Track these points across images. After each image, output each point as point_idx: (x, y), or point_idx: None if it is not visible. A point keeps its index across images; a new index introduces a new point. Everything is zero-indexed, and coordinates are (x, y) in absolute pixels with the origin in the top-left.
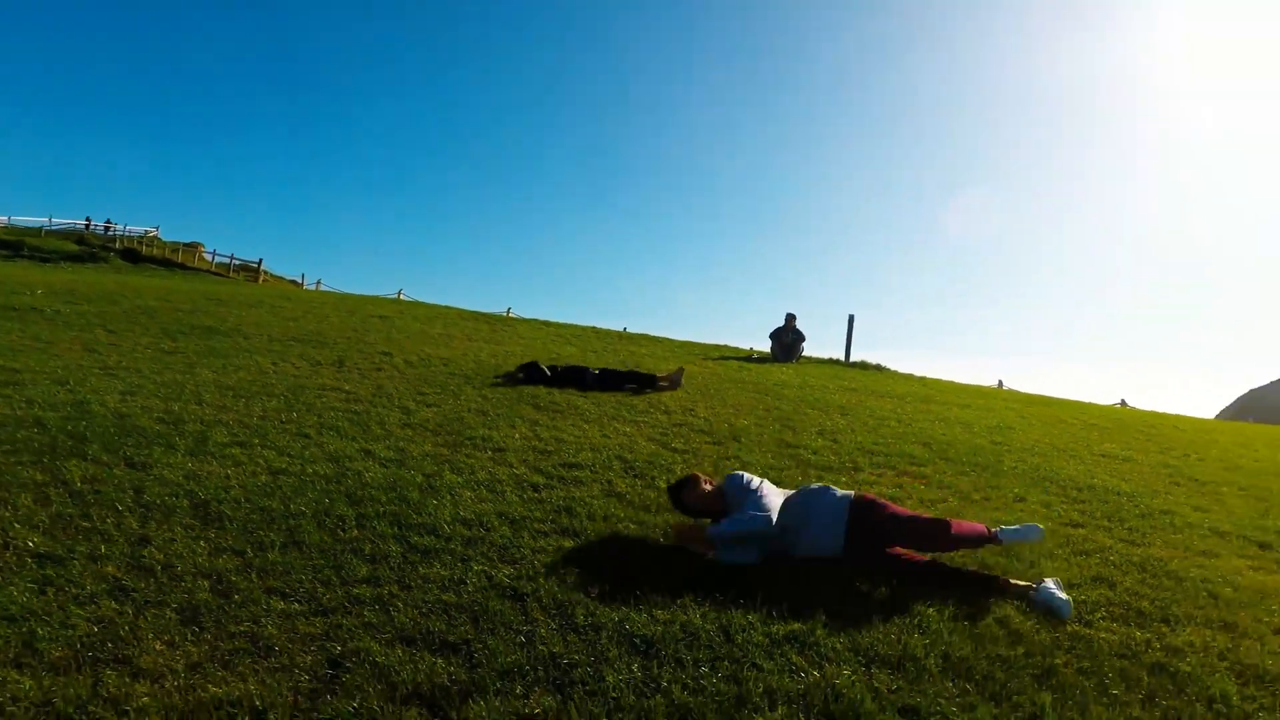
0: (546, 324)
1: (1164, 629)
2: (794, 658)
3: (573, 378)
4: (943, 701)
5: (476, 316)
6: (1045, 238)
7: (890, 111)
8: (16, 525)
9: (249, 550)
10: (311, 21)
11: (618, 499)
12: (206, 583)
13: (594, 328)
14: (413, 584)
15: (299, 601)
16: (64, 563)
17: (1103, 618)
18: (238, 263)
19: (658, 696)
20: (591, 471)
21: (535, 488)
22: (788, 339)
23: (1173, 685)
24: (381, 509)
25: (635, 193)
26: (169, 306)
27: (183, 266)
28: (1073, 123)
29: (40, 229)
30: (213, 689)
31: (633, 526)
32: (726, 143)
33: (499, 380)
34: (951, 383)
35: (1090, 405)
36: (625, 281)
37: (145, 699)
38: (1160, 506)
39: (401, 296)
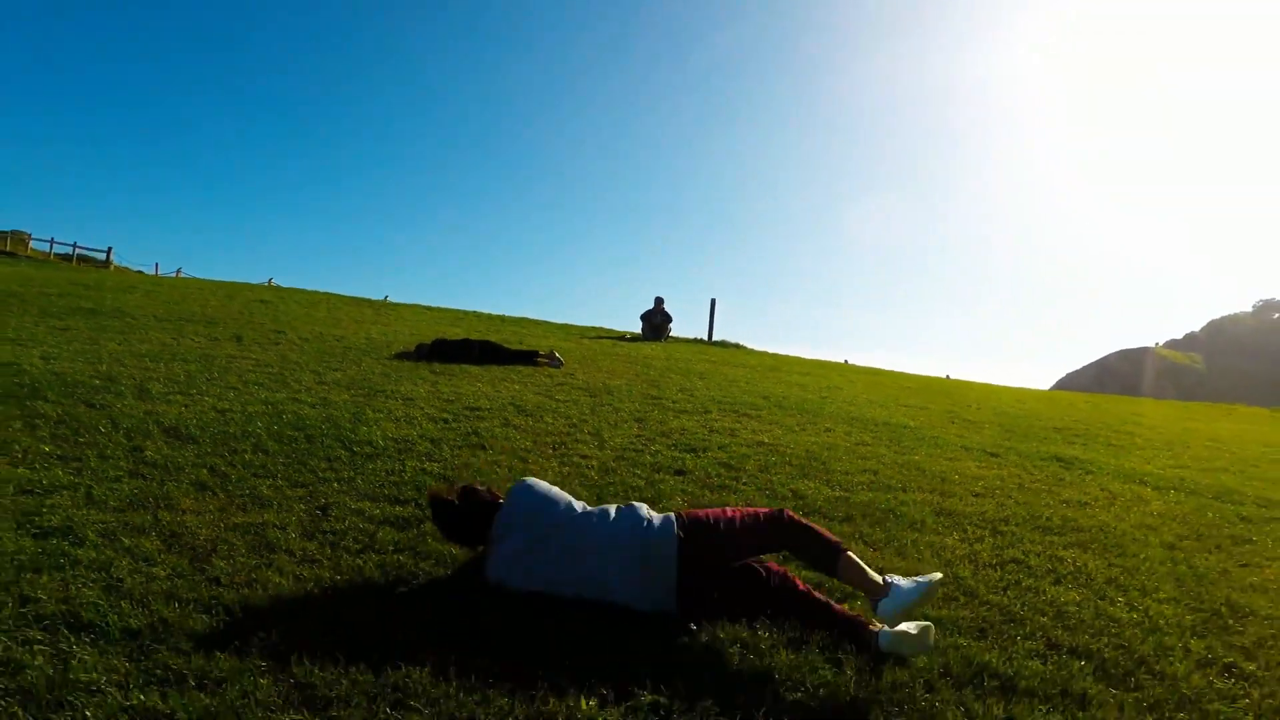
0: (428, 309)
1: (901, 494)
2: None
3: (459, 352)
4: None
5: (358, 301)
6: (916, 240)
7: (766, 114)
8: (24, 439)
9: (226, 454)
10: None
11: (514, 428)
12: (204, 471)
13: (475, 311)
14: (364, 473)
15: (280, 480)
16: (81, 460)
17: (861, 487)
18: (81, 251)
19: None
20: (489, 412)
21: (445, 421)
22: (656, 320)
23: (895, 519)
24: (323, 432)
25: (511, 179)
26: (36, 291)
27: (12, 255)
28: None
29: None
30: (240, 517)
31: (529, 442)
32: (616, 135)
33: (394, 356)
34: (800, 358)
35: (913, 375)
36: (503, 268)
37: (193, 521)
38: (932, 434)
39: (273, 283)
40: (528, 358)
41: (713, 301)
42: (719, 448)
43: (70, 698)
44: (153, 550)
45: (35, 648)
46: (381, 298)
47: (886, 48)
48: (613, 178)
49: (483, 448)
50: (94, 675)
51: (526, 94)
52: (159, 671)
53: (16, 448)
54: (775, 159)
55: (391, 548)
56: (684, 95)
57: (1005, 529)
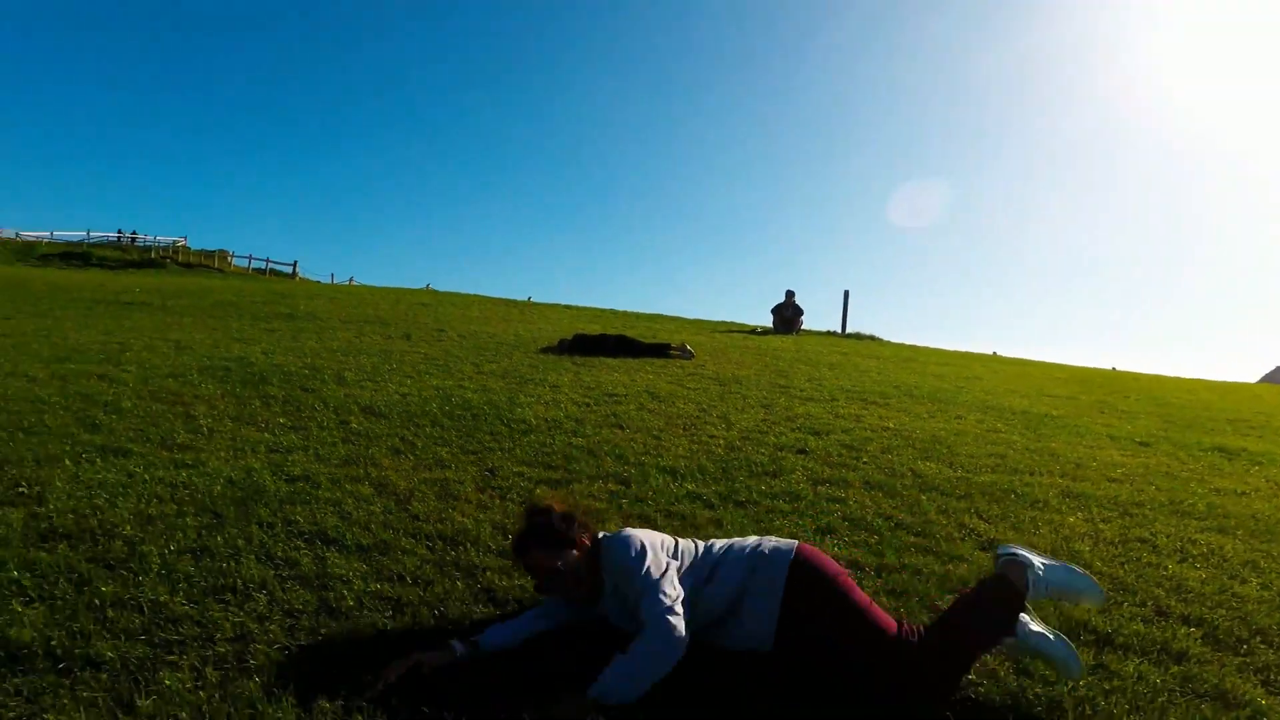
0: (568, 307)
1: (1027, 476)
2: None
3: (596, 345)
4: None
5: (506, 302)
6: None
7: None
8: (263, 414)
9: (411, 428)
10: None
11: (648, 411)
12: (396, 439)
13: (612, 309)
14: (521, 445)
15: (455, 448)
16: (306, 430)
17: (985, 469)
18: (272, 265)
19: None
20: (626, 398)
21: (587, 405)
22: (788, 313)
23: (1015, 499)
24: (485, 412)
25: (640, 184)
26: (246, 300)
27: (219, 270)
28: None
29: (81, 241)
30: (427, 474)
31: (661, 422)
32: (747, 130)
33: (540, 350)
34: (940, 350)
35: (1066, 366)
36: (636, 268)
37: (393, 476)
38: (1075, 423)
39: (430, 288)
40: (660, 350)
41: (845, 293)
42: (842, 431)
43: (331, 583)
44: (368, 494)
45: (301, 552)
46: (525, 298)
47: (1048, 33)
48: (744, 172)
49: (620, 427)
50: (343, 570)
51: (666, 95)
52: (385, 571)
53: (260, 420)
54: (926, 142)
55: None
56: (815, 79)
57: (1137, 511)
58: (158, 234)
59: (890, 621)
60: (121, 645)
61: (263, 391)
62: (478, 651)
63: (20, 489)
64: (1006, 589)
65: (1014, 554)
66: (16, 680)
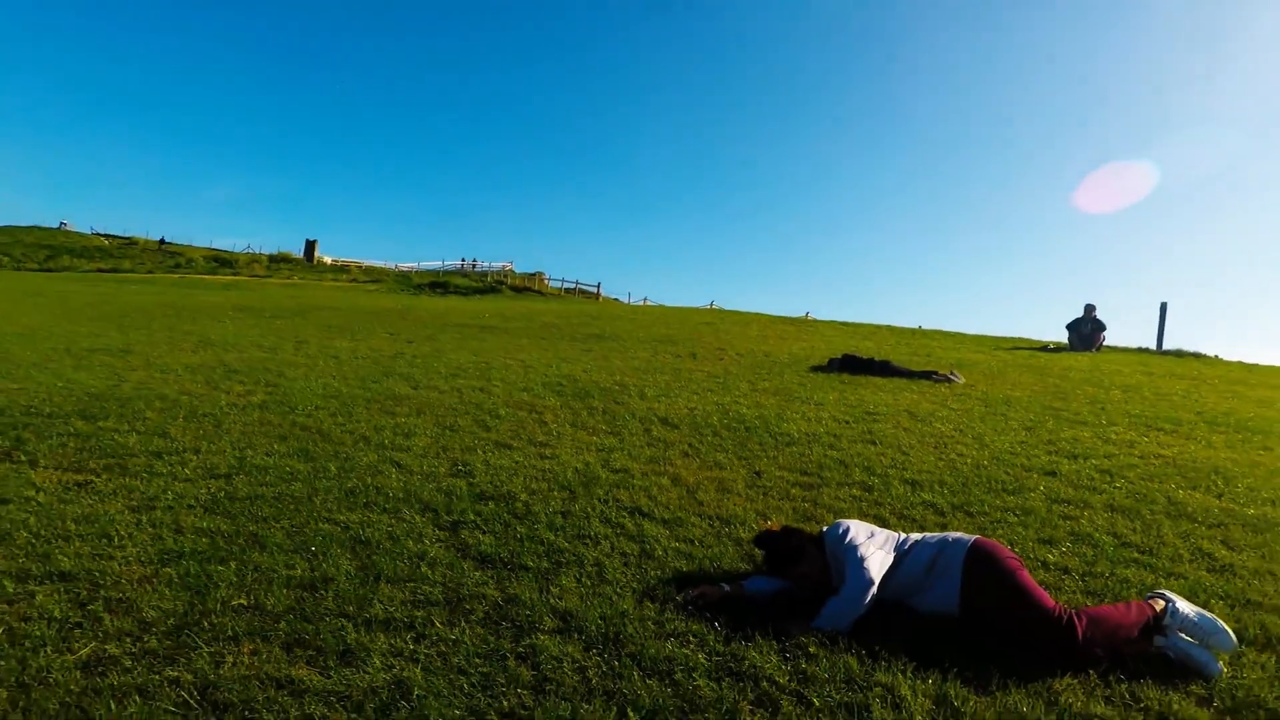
0: (844, 324)
1: None
2: None
3: (863, 366)
4: None
5: (783, 320)
6: None
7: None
8: (590, 421)
9: (696, 437)
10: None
11: (903, 430)
12: (685, 445)
13: (889, 326)
14: (783, 454)
15: (730, 454)
16: (620, 435)
17: (1266, 502)
18: (581, 286)
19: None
20: (884, 416)
21: (846, 422)
22: (1086, 329)
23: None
24: (756, 425)
25: (924, 191)
26: (565, 322)
27: (538, 292)
28: None
29: (439, 270)
30: (708, 473)
31: (914, 440)
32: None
33: (811, 369)
34: None
35: None
36: (917, 280)
37: (684, 473)
38: None
39: (714, 306)
40: (927, 375)
41: (1163, 305)
42: (1104, 456)
43: (646, 540)
44: (666, 484)
45: (626, 519)
46: (803, 314)
47: None
48: (1040, 176)
49: (874, 443)
50: (654, 533)
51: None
52: (680, 536)
53: (589, 426)
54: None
55: (800, 499)
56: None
57: None
58: (489, 259)
59: (1050, 602)
60: (537, 560)
61: (588, 404)
62: (742, 593)
63: (459, 467)
64: (1145, 607)
65: (1161, 593)
66: (479, 574)
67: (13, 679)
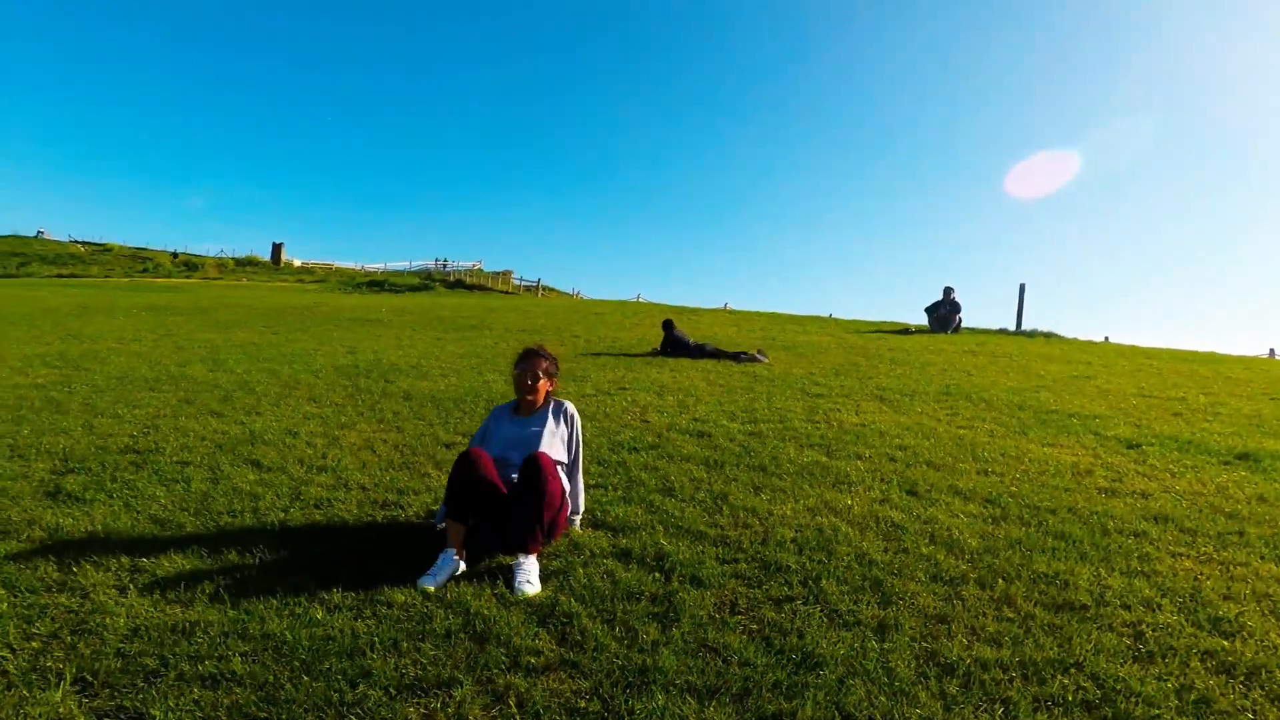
0: (735, 313)
1: (842, 462)
2: None
3: (683, 348)
4: None
5: (691, 310)
6: None
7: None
8: (318, 393)
9: (409, 407)
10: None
11: (629, 398)
12: (392, 412)
13: (772, 312)
14: (464, 421)
15: (427, 422)
16: (331, 403)
17: (847, 456)
18: (541, 284)
19: None
20: (636, 389)
21: (598, 394)
22: (942, 311)
23: (774, 472)
24: (469, 397)
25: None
26: (456, 315)
27: (487, 289)
28: None
29: (403, 270)
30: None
31: (622, 408)
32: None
33: (644, 354)
34: (1143, 346)
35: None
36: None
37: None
38: (1073, 412)
39: (640, 299)
40: (736, 357)
41: (1021, 287)
42: (778, 420)
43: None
44: (316, 443)
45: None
46: (722, 304)
47: None
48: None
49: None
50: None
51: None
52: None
53: (319, 398)
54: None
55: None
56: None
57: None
58: (460, 259)
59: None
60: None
61: (354, 381)
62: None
63: (146, 431)
64: None
65: None
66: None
67: None
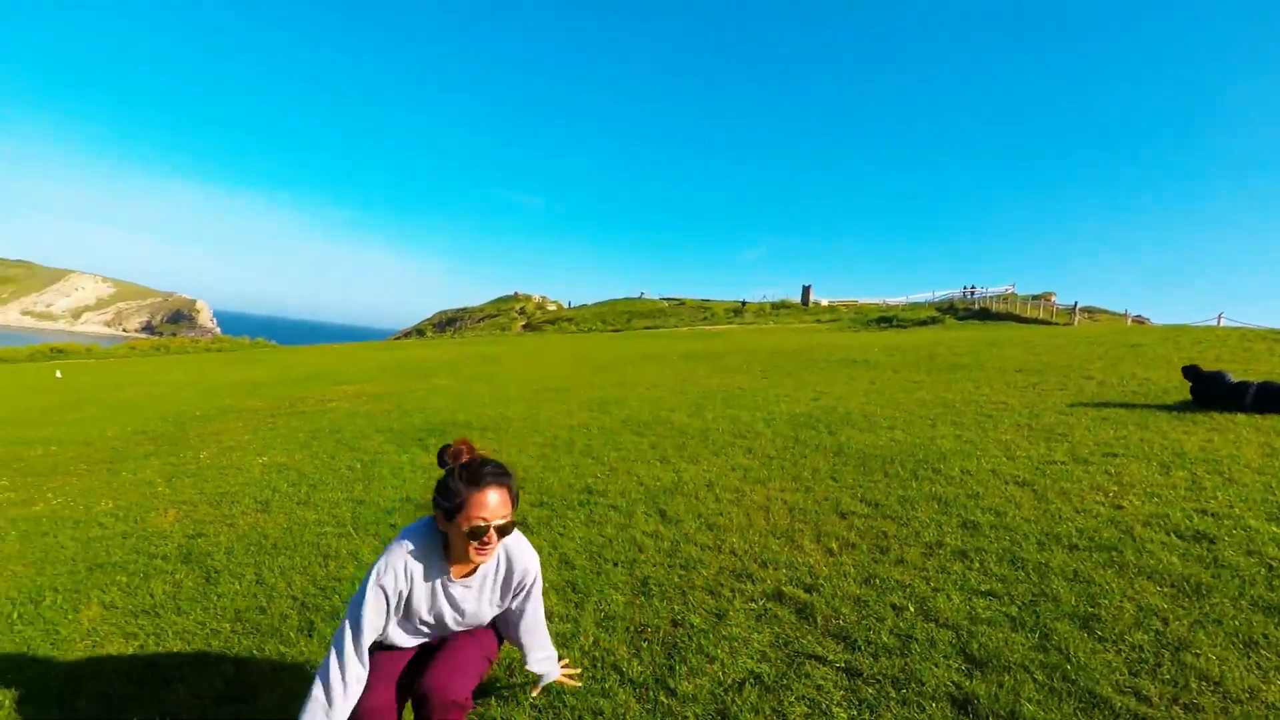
0: None
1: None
2: None
3: (1226, 393)
4: None
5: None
6: None
7: None
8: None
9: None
10: None
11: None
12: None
13: None
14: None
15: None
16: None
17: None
18: (1078, 307)
19: None
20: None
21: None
22: None
23: None
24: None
25: None
26: (948, 352)
27: (1031, 320)
28: None
29: (925, 301)
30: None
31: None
32: None
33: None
34: None
35: None
36: None
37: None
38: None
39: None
40: None
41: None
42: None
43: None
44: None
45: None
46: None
47: None
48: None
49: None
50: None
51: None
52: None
53: (621, 444)
54: None
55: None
56: None
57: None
58: (989, 284)
59: None
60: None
61: (799, 434)
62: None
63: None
64: None
65: None
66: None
67: None
